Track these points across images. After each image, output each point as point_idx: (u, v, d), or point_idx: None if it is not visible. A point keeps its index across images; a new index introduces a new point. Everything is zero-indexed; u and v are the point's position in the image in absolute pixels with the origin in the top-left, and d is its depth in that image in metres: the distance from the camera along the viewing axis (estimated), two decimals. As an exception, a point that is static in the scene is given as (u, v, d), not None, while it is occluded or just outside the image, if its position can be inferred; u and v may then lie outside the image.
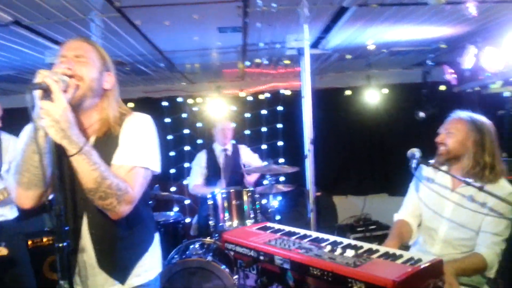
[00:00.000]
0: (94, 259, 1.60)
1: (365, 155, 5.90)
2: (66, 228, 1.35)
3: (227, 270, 3.14)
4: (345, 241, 1.81)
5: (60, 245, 1.31)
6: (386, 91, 5.76)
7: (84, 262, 1.60)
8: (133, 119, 1.68)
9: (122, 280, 1.65)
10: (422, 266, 1.48)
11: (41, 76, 1.34)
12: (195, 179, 4.50)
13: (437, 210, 2.35)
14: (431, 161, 2.34)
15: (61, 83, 1.38)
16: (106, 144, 1.58)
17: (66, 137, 1.37)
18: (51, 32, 3.04)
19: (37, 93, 1.33)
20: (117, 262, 1.63)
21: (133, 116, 1.69)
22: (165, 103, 5.72)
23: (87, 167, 1.41)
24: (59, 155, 1.40)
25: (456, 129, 2.31)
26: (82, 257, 1.60)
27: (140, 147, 1.62)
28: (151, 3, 2.62)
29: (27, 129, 1.50)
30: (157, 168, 1.68)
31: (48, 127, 1.34)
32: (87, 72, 1.54)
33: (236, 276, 3.17)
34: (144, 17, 2.89)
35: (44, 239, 3.87)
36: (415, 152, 2.23)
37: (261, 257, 1.81)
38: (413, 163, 2.17)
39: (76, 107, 1.50)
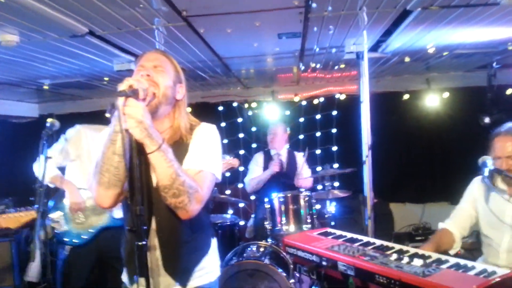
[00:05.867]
0: (160, 261, 1.68)
1: (424, 162, 5.69)
2: (145, 228, 1.43)
3: (283, 273, 3.17)
4: (412, 249, 1.78)
5: (140, 243, 1.39)
6: (447, 95, 5.52)
7: (152, 263, 1.68)
8: (203, 129, 1.77)
9: (184, 283, 1.72)
10: (496, 279, 1.43)
11: (127, 83, 1.45)
12: (252, 175, 4.57)
13: (500, 218, 2.30)
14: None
15: (141, 91, 1.48)
16: (176, 150, 1.64)
17: (148, 136, 1.47)
18: (120, 41, 3.21)
19: (121, 99, 1.43)
20: (180, 265, 1.70)
21: (203, 126, 1.79)
22: (221, 108, 5.86)
23: (164, 164, 1.50)
24: (139, 156, 1.49)
25: None
26: (152, 258, 1.67)
27: (207, 154, 1.70)
28: (217, 11, 2.70)
29: (106, 131, 1.61)
30: (219, 176, 1.76)
31: (133, 128, 1.44)
32: (163, 80, 1.65)
33: (292, 280, 3.19)
34: (208, 25, 2.98)
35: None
36: (487, 160, 2.15)
37: (324, 263, 1.82)
38: (485, 172, 2.08)
39: (151, 114, 1.58)
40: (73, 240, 2.82)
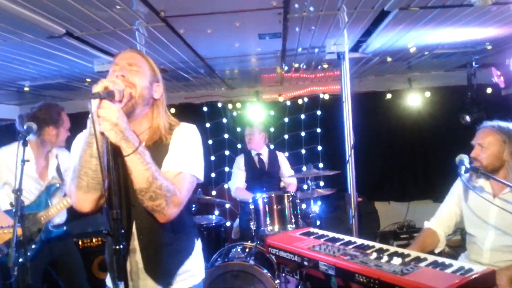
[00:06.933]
0: (141, 264, 1.66)
1: (408, 161, 5.77)
2: (122, 231, 1.41)
3: (268, 274, 3.17)
4: (391, 248, 1.79)
5: (117, 247, 1.37)
6: (428, 94, 5.61)
7: (134, 266, 1.66)
8: (182, 129, 1.75)
9: (166, 286, 1.70)
10: (473, 277, 1.44)
11: (102, 85, 1.43)
12: (237, 182, 4.59)
13: (482, 217, 2.33)
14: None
15: (117, 93, 1.46)
16: (156, 151, 1.63)
17: (124, 138, 1.44)
18: (100, 42, 3.16)
19: (95, 101, 1.41)
20: (161, 268, 1.68)
21: (182, 126, 1.76)
22: (205, 109, 5.84)
23: (140, 167, 1.48)
24: (115, 159, 1.47)
25: (488, 143, 2.28)
26: (133, 261, 1.66)
27: (187, 155, 1.68)
28: (195, 12, 2.68)
29: (83, 135, 1.59)
30: (201, 176, 1.74)
31: (108, 131, 1.42)
32: (139, 80, 1.62)
33: (277, 281, 3.19)
34: (187, 26, 2.96)
35: (94, 240, 4.07)
36: (464, 158, 2.18)
37: (306, 263, 1.81)
38: (462, 170, 2.12)
39: (128, 115, 1.57)
40: (19, 260, 2.76)
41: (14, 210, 2.31)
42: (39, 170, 2.93)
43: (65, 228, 3.03)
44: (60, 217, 2.97)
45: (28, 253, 2.75)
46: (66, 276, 3.03)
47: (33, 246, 2.81)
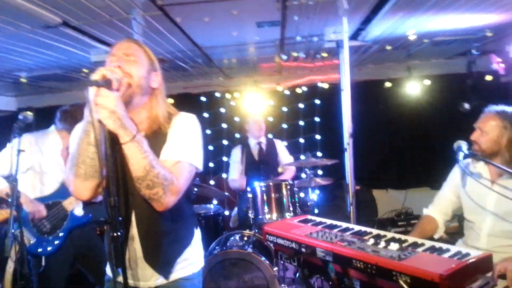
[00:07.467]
0: (141, 253, 1.66)
1: (406, 149, 5.77)
2: (120, 219, 1.42)
3: (267, 261, 3.19)
4: (389, 234, 1.79)
5: (115, 234, 1.38)
6: (428, 82, 5.59)
7: (133, 254, 1.67)
8: (181, 118, 1.73)
9: (166, 274, 1.71)
10: (470, 261, 1.45)
11: (100, 73, 1.42)
12: (231, 174, 4.64)
13: (480, 203, 2.33)
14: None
15: (115, 81, 1.45)
16: (154, 141, 1.63)
17: (121, 126, 1.44)
18: (96, 31, 3.15)
19: (93, 89, 1.40)
20: (161, 257, 1.68)
21: (182, 115, 1.75)
22: (203, 98, 5.82)
23: (138, 155, 1.48)
24: (112, 147, 1.46)
25: (489, 127, 2.27)
26: (132, 250, 1.66)
27: (186, 144, 1.67)
28: (192, 0, 2.66)
29: (80, 125, 1.58)
30: (200, 166, 1.73)
31: (105, 118, 1.41)
32: (136, 70, 1.60)
33: (275, 268, 3.21)
34: (185, 14, 2.94)
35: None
36: (462, 144, 2.18)
37: (303, 249, 1.82)
38: (460, 156, 2.11)
39: (126, 104, 1.55)
40: (48, 249, 2.78)
41: (9, 200, 2.31)
42: (63, 158, 2.97)
43: (89, 215, 3.06)
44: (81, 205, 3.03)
45: (56, 242, 2.81)
46: (92, 270, 3.07)
47: (60, 234, 2.84)
